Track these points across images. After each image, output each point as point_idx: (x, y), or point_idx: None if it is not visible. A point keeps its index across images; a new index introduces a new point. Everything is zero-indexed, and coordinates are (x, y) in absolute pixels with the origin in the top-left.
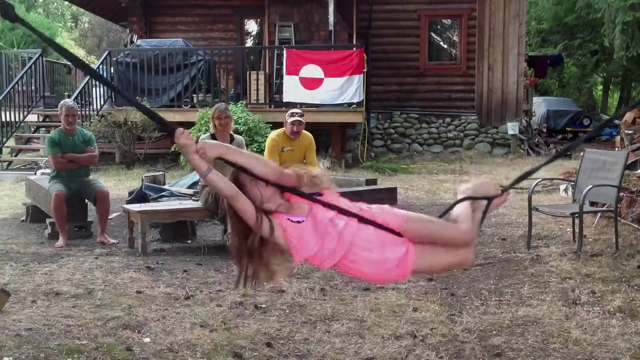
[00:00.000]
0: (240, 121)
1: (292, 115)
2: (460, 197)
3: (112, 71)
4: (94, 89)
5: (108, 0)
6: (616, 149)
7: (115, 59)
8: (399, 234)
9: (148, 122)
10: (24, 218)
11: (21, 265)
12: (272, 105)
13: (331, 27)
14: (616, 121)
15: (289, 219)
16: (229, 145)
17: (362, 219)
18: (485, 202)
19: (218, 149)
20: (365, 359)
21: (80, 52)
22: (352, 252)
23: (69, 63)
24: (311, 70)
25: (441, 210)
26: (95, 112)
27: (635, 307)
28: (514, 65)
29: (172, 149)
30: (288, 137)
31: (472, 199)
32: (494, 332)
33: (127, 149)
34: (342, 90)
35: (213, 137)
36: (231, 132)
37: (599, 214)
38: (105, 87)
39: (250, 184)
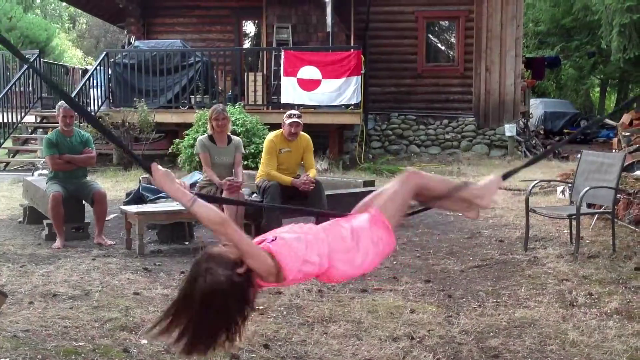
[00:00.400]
0: (238, 122)
1: (289, 116)
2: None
3: (109, 72)
4: (91, 90)
5: (106, 1)
6: (613, 151)
7: (113, 60)
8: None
9: (146, 123)
10: (21, 219)
11: (18, 267)
12: (270, 107)
13: (329, 29)
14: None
15: (266, 243)
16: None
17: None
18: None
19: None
20: None
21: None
22: (333, 249)
23: (66, 64)
24: (309, 72)
25: (438, 211)
26: (92, 113)
27: (632, 308)
28: (512, 67)
29: (170, 150)
30: (286, 138)
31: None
32: (491, 333)
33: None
34: (340, 91)
35: (210, 138)
36: (229, 134)
37: (596, 216)
38: (103, 89)
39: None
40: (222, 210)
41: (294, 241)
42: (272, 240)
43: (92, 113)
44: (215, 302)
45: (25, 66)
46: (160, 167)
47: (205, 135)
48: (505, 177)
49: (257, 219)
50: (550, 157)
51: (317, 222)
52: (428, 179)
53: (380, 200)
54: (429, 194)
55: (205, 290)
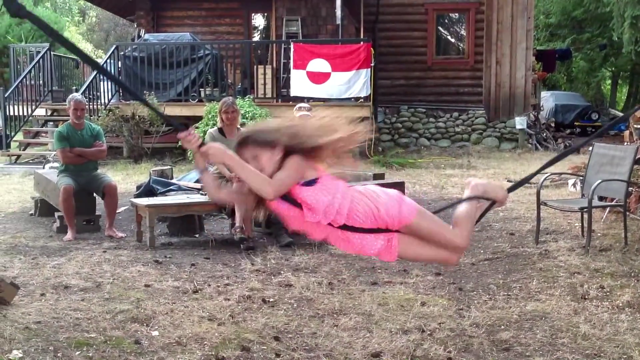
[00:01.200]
0: (247, 115)
1: (299, 109)
2: (468, 193)
3: (119, 65)
4: (101, 82)
5: None
6: (625, 144)
7: (122, 53)
8: (387, 230)
9: (155, 117)
10: (32, 212)
11: (30, 259)
12: (280, 100)
13: (338, 21)
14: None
15: (301, 185)
16: (234, 156)
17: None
18: (488, 203)
19: (223, 157)
20: (373, 353)
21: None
22: (353, 212)
23: (77, 57)
24: (318, 65)
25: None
26: (103, 106)
27: None
28: (522, 59)
29: (180, 143)
30: None
31: (480, 198)
32: (502, 326)
33: (134, 143)
34: (350, 84)
35: (220, 131)
36: (238, 126)
37: (607, 209)
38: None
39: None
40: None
41: (323, 194)
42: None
43: (102, 106)
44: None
45: (35, 60)
46: (188, 134)
47: (215, 128)
48: (511, 190)
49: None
50: (561, 150)
51: None
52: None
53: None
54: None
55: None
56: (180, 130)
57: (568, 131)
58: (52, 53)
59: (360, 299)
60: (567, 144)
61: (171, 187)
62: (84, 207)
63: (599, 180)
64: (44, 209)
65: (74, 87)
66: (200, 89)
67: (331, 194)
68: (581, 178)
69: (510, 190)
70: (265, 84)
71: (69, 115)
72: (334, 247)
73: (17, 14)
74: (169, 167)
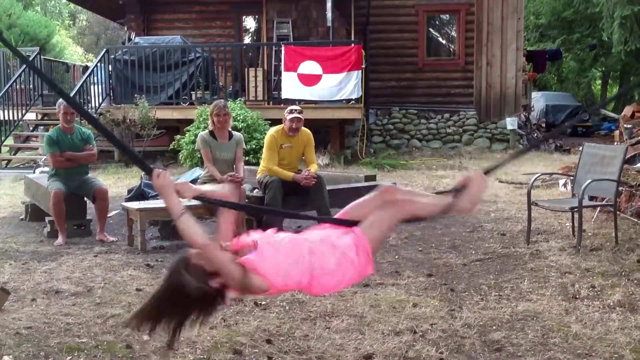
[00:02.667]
0: (239, 118)
1: (290, 112)
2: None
3: (110, 69)
4: (92, 86)
5: None
6: (615, 143)
7: (113, 56)
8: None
9: (147, 120)
10: (23, 216)
11: (21, 264)
12: (271, 102)
13: (329, 24)
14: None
15: (249, 258)
16: (203, 189)
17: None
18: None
19: (194, 192)
20: (366, 354)
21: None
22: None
23: (67, 61)
24: (309, 67)
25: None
26: (93, 110)
27: (635, 301)
28: (513, 60)
29: (171, 147)
30: (287, 134)
31: (457, 190)
32: (494, 327)
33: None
34: (341, 86)
35: (212, 134)
36: (230, 129)
37: (598, 209)
38: (103, 85)
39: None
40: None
41: (281, 254)
42: (262, 246)
43: (93, 110)
44: (177, 298)
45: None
46: (162, 172)
47: (207, 131)
48: (487, 172)
49: (258, 215)
50: (551, 150)
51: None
52: (409, 199)
53: (366, 223)
54: (413, 212)
55: (174, 286)
56: (151, 172)
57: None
58: (42, 57)
59: (352, 301)
60: (558, 144)
61: None
62: (74, 211)
63: (590, 180)
64: (34, 213)
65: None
66: (192, 92)
67: (290, 256)
68: (571, 178)
69: (487, 172)
70: (256, 86)
71: (59, 119)
72: None
73: None
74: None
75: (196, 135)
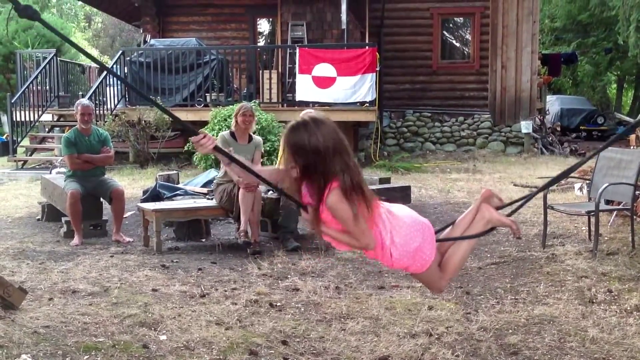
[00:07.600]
0: None
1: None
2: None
3: (125, 71)
4: (108, 88)
5: (121, 0)
6: (631, 147)
7: (128, 58)
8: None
9: (162, 121)
10: (39, 217)
11: (37, 264)
12: (285, 105)
13: (344, 26)
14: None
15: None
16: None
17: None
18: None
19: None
20: (381, 357)
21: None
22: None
23: (83, 63)
24: (324, 69)
25: (454, 209)
26: (109, 112)
27: None
28: (528, 63)
29: (186, 148)
30: None
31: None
32: (510, 330)
33: (140, 148)
34: (355, 89)
35: (232, 135)
36: (251, 133)
37: (614, 213)
38: (119, 86)
39: None
40: (238, 204)
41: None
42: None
43: (109, 111)
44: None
45: (41, 66)
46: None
47: (228, 131)
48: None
49: (273, 215)
50: (567, 154)
51: None
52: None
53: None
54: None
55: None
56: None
57: (574, 135)
58: (58, 59)
59: (367, 303)
60: (573, 148)
61: (177, 192)
62: (91, 212)
63: (606, 184)
64: (51, 214)
65: (80, 93)
66: (206, 94)
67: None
68: (588, 182)
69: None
70: (270, 88)
71: (75, 121)
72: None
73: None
74: (175, 172)
75: (215, 136)
